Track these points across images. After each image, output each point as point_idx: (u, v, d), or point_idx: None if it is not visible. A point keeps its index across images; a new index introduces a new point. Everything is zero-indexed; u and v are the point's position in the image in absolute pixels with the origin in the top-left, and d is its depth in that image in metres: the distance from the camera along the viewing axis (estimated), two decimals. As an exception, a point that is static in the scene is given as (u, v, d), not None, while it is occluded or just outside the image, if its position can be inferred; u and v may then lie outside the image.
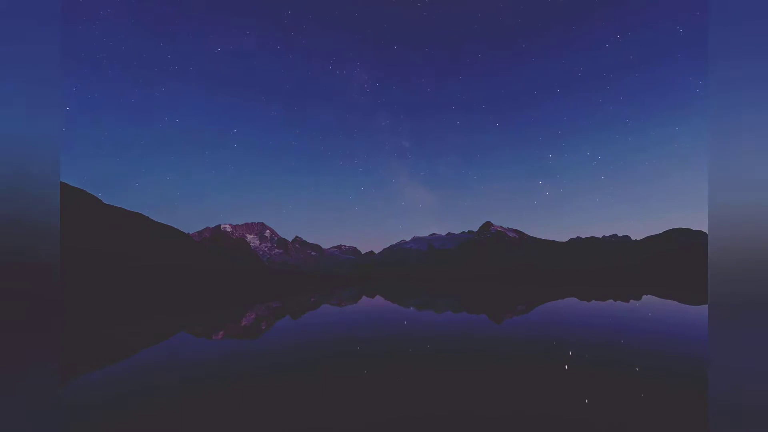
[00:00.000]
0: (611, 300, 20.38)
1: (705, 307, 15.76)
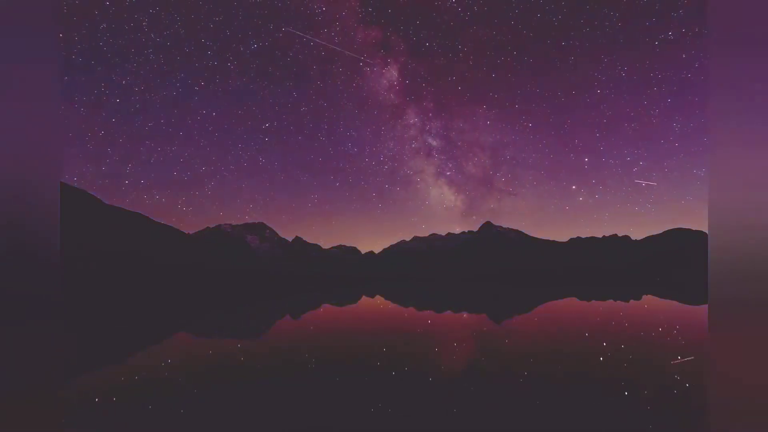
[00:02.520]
0: (611, 300, 20.37)
1: (705, 307, 15.75)
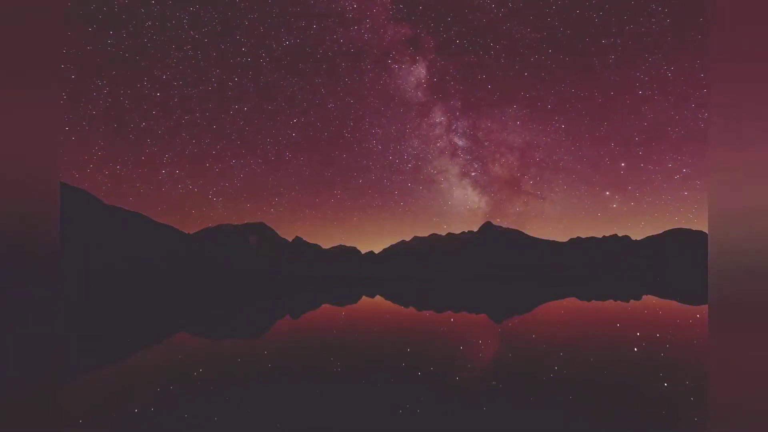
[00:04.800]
0: (611, 300, 20.36)
1: (705, 307, 15.75)
